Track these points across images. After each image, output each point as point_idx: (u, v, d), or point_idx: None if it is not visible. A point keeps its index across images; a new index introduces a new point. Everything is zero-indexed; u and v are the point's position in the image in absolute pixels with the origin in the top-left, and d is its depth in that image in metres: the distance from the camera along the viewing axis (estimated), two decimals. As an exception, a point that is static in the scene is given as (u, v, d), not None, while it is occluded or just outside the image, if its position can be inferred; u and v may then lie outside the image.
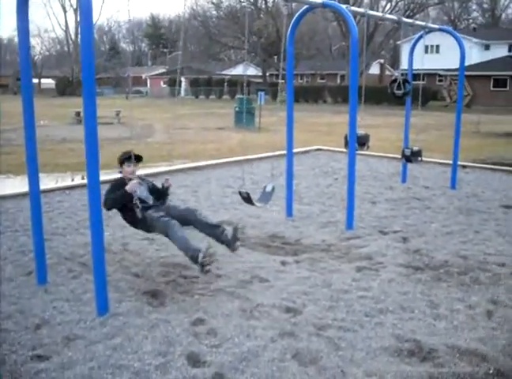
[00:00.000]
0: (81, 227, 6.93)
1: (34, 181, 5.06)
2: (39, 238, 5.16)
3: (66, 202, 8.40)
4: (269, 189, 6.26)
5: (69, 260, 5.82)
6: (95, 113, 4.17)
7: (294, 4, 8.17)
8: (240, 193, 6.00)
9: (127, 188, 5.14)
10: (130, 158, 5.38)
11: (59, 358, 3.76)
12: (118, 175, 5.69)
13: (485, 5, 79.71)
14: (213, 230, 5.37)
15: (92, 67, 4.09)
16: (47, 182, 10.59)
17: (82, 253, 5.97)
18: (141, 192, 5.44)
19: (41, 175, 11.20)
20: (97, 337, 4.05)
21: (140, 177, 5.71)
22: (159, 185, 5.72)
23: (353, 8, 7.52)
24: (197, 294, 4.90)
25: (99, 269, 4.43)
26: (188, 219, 5.38)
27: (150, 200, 5.54)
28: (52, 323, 4.29)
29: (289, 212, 7.73)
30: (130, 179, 5.34)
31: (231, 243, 5.31)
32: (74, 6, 68.14)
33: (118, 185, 5.39)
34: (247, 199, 5.96)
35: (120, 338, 4.04)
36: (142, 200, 5.31)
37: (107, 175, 11.17)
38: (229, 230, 5.39)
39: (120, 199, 5.27)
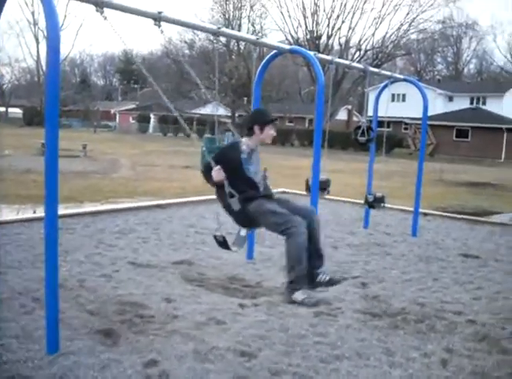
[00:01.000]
0: (38, 260, 6.75)
1: (-10, 213, 4.94)
2: (-9, 271, 5.02)
3: (25, 235, 8.23)
4: (243, 233, 6.11)
5: (23, 294, 5.65)
6: (56, 145, 4.13)
7: (265, 48, 8.32)
8: (215, 237, 5.58)
9: (214, 178, 4.58)
10: (273, 121, 4.90)
11: (3, 398, 3.62)
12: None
13: (449, 59, 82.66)
14: (320, 254, 4.71)
15: (57, 99, 4.07)
16: (6, 213, 10.40)
17: (37, 288, 5.80)
18: (255, 168, 4.80)
19: (0, 206, 10.99)
20: (44, 377, 3.91)
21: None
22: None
23: (320, 55, 7.69)
24: (152, 334, 4.80)
25: (51, 306, 4.31)
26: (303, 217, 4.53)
27: (261, 185, 4.81)
28: (-2, 361, 4.14)
29: (250, 254, 7.70)
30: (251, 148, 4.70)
31: (319, 284, 4.66)
32: (47, 38, 68.09)
33: (229, 152, 4.80)
34: (223, 243, 5.58)
35: None
36: (252, 183, 4.68)
37: (69, 209, 11.07)
38: (327, 275, 4.82)
39: (209, 180, 4.76)
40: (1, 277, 5.93)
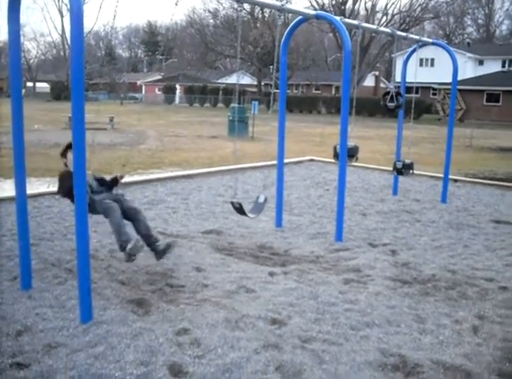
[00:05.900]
0: (69, 232, 6.88)
1: (21, 186, 5.01)
2: (24, 242, 5.10)
3: (55, 207, 8.35)
4: (261, 199, 6.24)
5: (56, 266, 5.76)
6: (83, 119, 4.15)
7: (290, 14, 8.18)
8: (232, 203, 5.95)
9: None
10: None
11: (39, 366, 3.70)
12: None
13: (480, 21, 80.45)
14: (148, 235, 5.72)
15: (82, 73, 4.09)
16: (37, 187, 10.53)
17: (69, 259, 5.91)
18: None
19: (32, 179, 11.18)
20: (79, 345, 4.00)
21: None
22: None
23: (347, 20, 7.53)
24: (183, 303, 4.86)
25: (83, 276, 4.38)
26: (130, 215, 5.73)
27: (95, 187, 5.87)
28: (34, 330, 4.23)
29: (279, 222, 7.70)
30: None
31: (158, 254, 5.68)
32: (71, 11, 68.02)
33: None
34: (239, 209, 5.93)
35: (102, 346, 3.99)
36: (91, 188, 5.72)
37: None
38: (162, 243, 5.72)
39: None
40: (34, 249, 6.02)
